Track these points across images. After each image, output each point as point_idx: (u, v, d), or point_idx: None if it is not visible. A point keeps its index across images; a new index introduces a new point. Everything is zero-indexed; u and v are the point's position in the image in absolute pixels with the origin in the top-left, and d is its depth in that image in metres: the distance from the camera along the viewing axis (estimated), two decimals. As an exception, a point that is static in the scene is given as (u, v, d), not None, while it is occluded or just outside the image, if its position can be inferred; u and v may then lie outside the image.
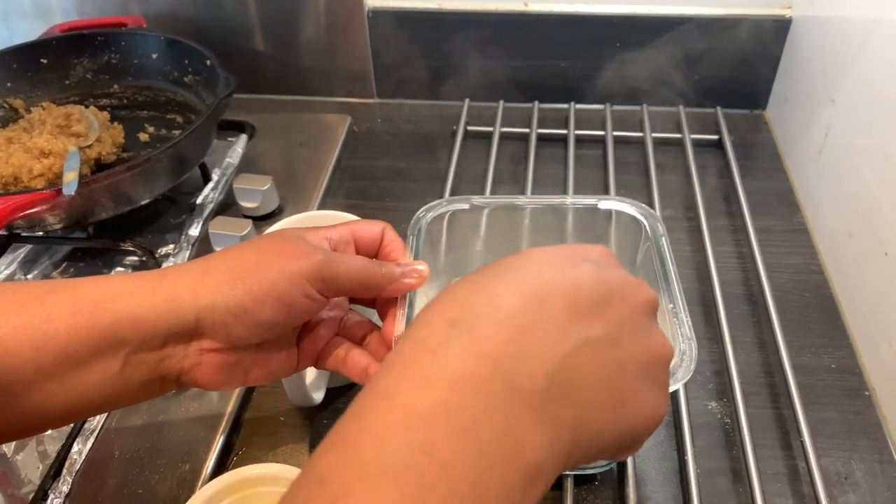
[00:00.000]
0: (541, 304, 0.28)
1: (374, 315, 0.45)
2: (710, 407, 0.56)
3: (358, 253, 0.42)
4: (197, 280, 0.35)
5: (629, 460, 0.50)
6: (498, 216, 0.52)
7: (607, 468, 0.51)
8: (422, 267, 0.41)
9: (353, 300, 0.45)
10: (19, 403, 0.33)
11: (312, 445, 0.53)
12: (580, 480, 0.51)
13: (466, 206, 0.50)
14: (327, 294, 0.37)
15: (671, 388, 0.39)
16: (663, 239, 0.47)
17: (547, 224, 0.52)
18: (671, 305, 0.43)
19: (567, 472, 0.50)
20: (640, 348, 0.30)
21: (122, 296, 0.34)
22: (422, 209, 0.49)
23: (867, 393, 0.57)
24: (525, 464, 0.25)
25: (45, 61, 0.80)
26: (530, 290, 0.29)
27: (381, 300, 0.42)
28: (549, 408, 0.26)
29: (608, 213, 0.51)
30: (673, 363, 0.39)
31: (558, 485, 0.50)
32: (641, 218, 0.49)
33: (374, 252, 0.43)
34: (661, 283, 0.45)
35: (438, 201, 0.50)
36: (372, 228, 0.42)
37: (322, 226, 0.41)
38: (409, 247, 0.44)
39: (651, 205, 0.73)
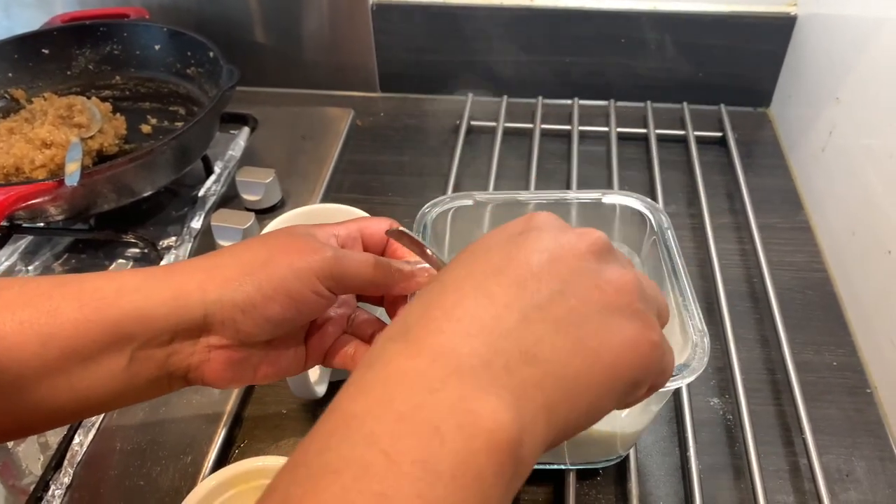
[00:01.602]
0: (476, 290, 0.26)
1: (381, 312, 0.44)
2: (712, 403, 0.56)
3: (365, 249, 0.41)
4: (205, 275, 0.35)
5: (632, 456, 0.51)
6: (502, 212, 0.52)
7: (612, 463, 0.51)
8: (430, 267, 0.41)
9: (360, 297, 0.44)
10: (26, 399, 0.33)
11: (314, 439, 0.53)
12: (583, 475, 0.51)
13: (470, 202, 0.50)
14: (336, 291, 0.37)
15: (686, 381, 0.39)
16: (669, 232, 0.47)
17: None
18: (681, 299, 0.43)
19: (569, 467, 0.50)
20: (592, 289, 0.27)
21: (129, 291, 0.34)
22: (426, 205, 0.49)
23: (869, 390, 0.57)
24: (485, 431, 0.23)
25: (46, 52, 0.79)
26: (466, 280, 0.27)
27: (389, 298, 0.42)
28: (501, 376, 0.24)
29: (612, 207, 0.51)
30: (686, 356, 0.39)
31: (560, 480, 0.50)
32: (646, 211, 0.49)
33: (382, 249, 0.42)
34: (669, 277, 0.44)
35: (442, 197, 0.50)
36: (379, 225, 0.42)
37: (329, 222, 0.41)
38: None
39: (654, 201, 0.72)
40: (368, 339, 0.42)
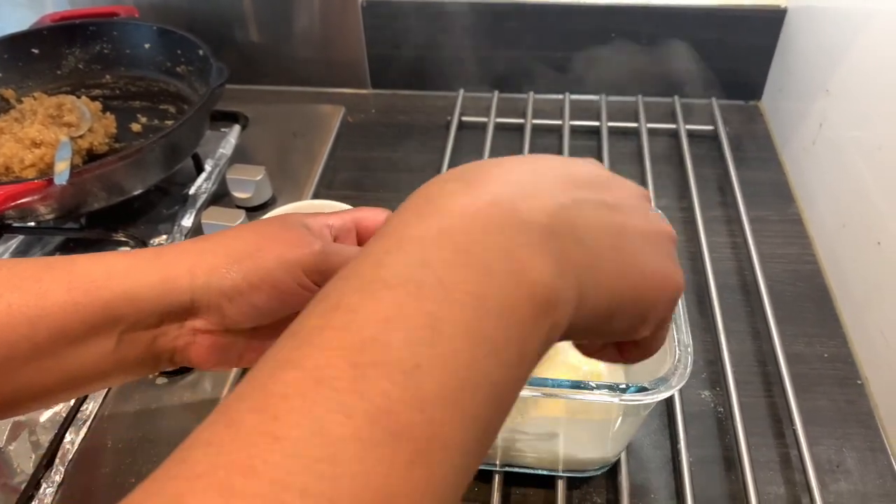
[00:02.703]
0: (536, 173, 0.27)
1: None
2: (703, 396, 0.56)
3: (360, 241, 0.41)
4: (194, 260, 0.35)
5: (623, 451, 0.51)
6: None
7: (604, 469, 0.50)
8: None
9: None
10: (14, 380, 0.33)
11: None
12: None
13: None
14: (323, 285, 0.37)
15: (666, 394, 0.39)
16: None
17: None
18: None
19: (562, 474, 0.50)
20: (642, 220, 0.29)
21: (118, 273, 0.34)
22: None
23: (859, 382, 0.57)
24: (529, 283, 0.23)
25: (36, 51, 0.79)
26: (523, 163, 0.28)
27: None
28: (552, 240, 0.25)
29: None
30: (667, 369, 0.39)
31: (551, 481, 0.50)
32: None
33: None
34: None
35: None
36: (375, 216, 0.42)
37: (324, 212, 0.41)
38: None
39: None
40: None
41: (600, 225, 0.27)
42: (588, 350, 0.33)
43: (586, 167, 0.30)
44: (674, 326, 0.41)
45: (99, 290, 0.33)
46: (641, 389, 0.39)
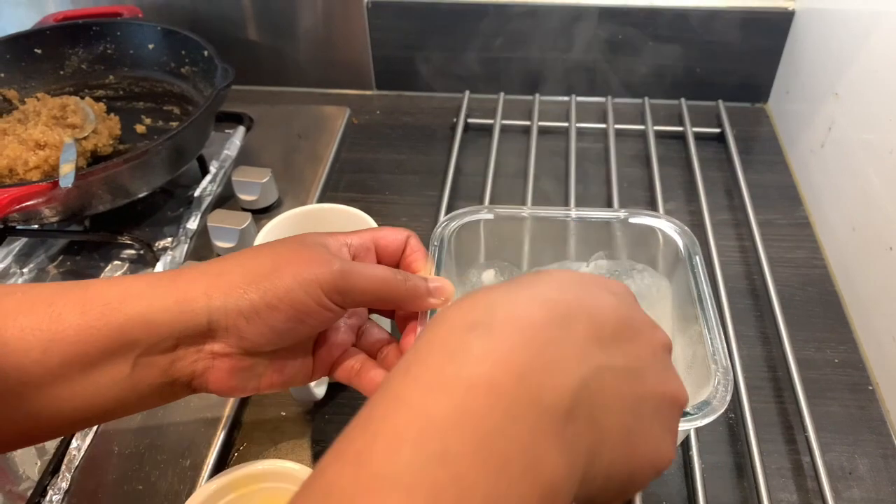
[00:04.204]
0: (563, 321, 0.27)
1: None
2: (713, 402, 0.55)
3: (379, 260, 0.41)
4: (210, 282, 0.34)
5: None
6: (524, 226, 0.51)
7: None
8: (448, 287, 0.40)
9: (371, 309, 0.44)
10: (27, 407, 0.32)
11: (314, 441, 0.53)
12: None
13: (491, 216, 0.49)
14: (343, 305, 0.36)
15: (706, 420, 0.37)
16: (697, 258, 0.46)
17: (581, 237, 0.51)
18: (705, 329, 0.41)
19: None
20: (659, 387, 0.29)
21: (132, 296, 0.34)
22: (444, 218, 0.49)
23: (871, 387, 0.56)
24: (542, 483, 0.23)
25: (39, 51, 0.78)
26: (553, 304, 0.28)
27: (401, 313, 0.41)
28: (569, 428, 0.25)
29: (642, 228, 0.51)
30: (707, 393, 0.38)
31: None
32: (675, 236, 0.49)
33: (397, 261, 0.42)
34: (695, 303, 0.43)
35: (461, 210, 0.50)
36: (395, 236, 0.41)
37: (328, 224, 0.40)
38: (431, 257, 0.43)
39: (653, 198, 0.72)
40: (376, 353, 0.42)
41: (618, 400, 0.27)
42: None
43: (611, 304, 0.29)
44: (711, 347, 0.40)
45: (113, 314, 0.33)
46: (684, 415, 0.37)
